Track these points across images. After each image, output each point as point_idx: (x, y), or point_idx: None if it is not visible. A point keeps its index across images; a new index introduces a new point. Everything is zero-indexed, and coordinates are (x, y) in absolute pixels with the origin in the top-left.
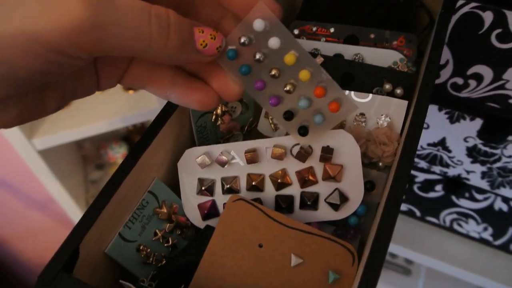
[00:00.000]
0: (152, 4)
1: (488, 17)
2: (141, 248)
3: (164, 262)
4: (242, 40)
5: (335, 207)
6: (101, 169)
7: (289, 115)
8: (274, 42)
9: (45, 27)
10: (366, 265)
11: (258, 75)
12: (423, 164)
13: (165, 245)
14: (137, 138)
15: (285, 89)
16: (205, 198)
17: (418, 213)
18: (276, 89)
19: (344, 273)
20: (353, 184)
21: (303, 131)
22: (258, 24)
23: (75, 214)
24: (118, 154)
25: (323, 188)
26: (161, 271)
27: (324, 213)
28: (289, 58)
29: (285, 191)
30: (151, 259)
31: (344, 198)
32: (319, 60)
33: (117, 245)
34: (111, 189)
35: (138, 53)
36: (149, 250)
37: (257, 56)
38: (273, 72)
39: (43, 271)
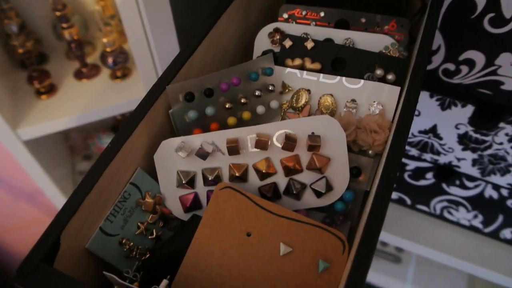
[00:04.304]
0: None
1: (480, 1)
2: (123, 242)
3: (148, 255)
4: None
5: (319, 194)
6: (89, 159)
7: None
8: None
9: None
10: (357, 252)
11: None
12: (414, 151)
13: (149, 237)
14: None
15: None
16: (187, 191)
17: (408, 201)
18: None
19: (334, 262)
20: (338, 172)
21: None
22: None
23: None
24: (106, 144)
25: (308, 177)
26: (147, 262)
27: (308, 200)
28: None
29: (269, 180)
30: (134, 252)
31: (329, 187)
32: (310, 44)
33: (98, 240)
34: (92, 179)
35: None
36: (132, 243)
37: None
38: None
39: (22, 262)
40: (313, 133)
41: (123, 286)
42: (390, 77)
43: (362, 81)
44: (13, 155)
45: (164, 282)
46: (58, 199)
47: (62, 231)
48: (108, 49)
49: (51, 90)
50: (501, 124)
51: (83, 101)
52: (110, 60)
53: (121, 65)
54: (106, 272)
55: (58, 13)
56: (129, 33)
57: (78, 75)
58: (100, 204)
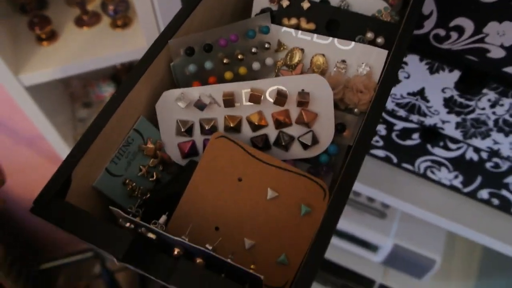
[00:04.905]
0: None
1: None
2: (127, 182)
3: (148, 195)
4: None
5: (306, 146)
6: (89, 107)
7: None
8: None
9: None
10: (333, 195)
11: None
12: (402, 112)
13: (150, 179)
14: (125, 77)
15: None
16: (185, 138)
17: (395, 160)
18: None
19: (315, 207)
20: (324, 127)
21: None
22: None
23: (64, 151)
24: (106, 92)
25: (296, 130)
26: (148, 200)
27: (295, 151)
28: None
29: (261, 132)
30: (136, 192)
31: (315, 140)
32: (306, 5)
33: (104, 179)
34: (99, 124)
35: None
36: (134, 184)
37: None
38: None
39: (37, 197)
40: (303, 90)
41: (126, 219)
42: (379, 40)
43: (353, 43)
44: (15, 100)
45: (163, 217)
46: (58, 145)
47: (73, 170)
48: None
49: (52, 36)
50: (485, 90)
51: (83, 49)
52: (111, 8)
53: (121, 14)
54: (111, 207)
55: None
56: None
57: (79, 22)
58: (107, 147)
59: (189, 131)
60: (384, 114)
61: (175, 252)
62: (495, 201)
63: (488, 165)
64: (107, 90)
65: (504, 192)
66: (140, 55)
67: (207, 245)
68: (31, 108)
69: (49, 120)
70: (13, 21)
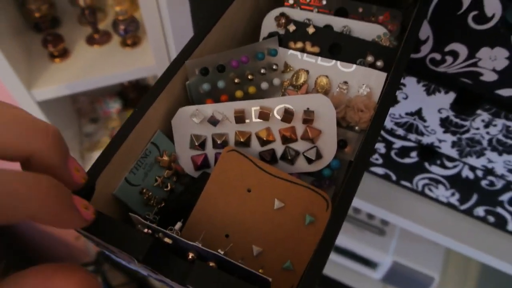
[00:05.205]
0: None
1: None
2: (144, 191)
3: (163, 204)
4: None
5: (310, 161)
6: (95, 123)
7: None
8: None
9: None
10: (335, 208)
11: None
12: (400, 131)
13: (165, 189)
14: (132, 94)
15: None
16: (198, 152)
17: (394, 177)
18: None
19: (318, 217)
20: (327, 143)
21: None
22: None
23: None
24: (112, 109)
25: (301, 145)
26: (164, 208)
27: (300, 165)
28: None
29: (269, 147)
30: (152, 201)
31: (319, 155)
32: (311, 30)
33: (123, 188)
34: (121, 137)
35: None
36: (150, 193)
37: None
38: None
39: None
40: (308, 108)
41: (145, 225)
42: (379, 63)
43: (355, 66)
44: None
45: (178, 224)
46: None
47: (97, 179)
48: (121, 17)
49: (64, 54)
50: (479, 111)
51: (94, 67)
52: (121, 28)
53: (132, 33)
54: (131, 213)
55: None
56: (142, 2)
57: (90, 41)
58: (127, 158)
59: (202, 145)
60: (383, 133)
61: (190, 256)
62: (491, 219)
63: (484, 183)
64: (114, 106)
65: (499, 210)
66: (148, 73)
67: (219, 250)
68: None
69: None
70: (27, 38)
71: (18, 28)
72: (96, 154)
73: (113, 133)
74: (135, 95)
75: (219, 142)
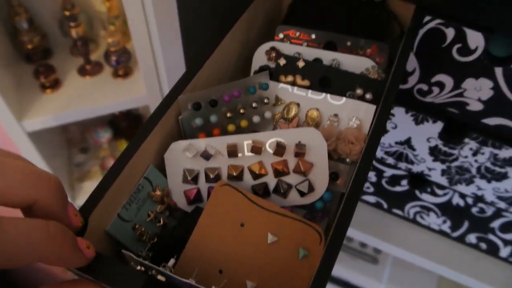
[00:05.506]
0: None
1: (450, 33)
2: (136, 227)
3: (155, 239)
4: None
5: (302, 194)
6: (86, 152)
7: None
8: None
9: None
10: (329, 241)
11: None
12: (391, 160)
13: (157, 224)
14: (123, 123)
15: None
16: (191, 186)
17: (385, 205)
18: None
19: (312, 251)
20: (319, 176)
21: None
22: None
23: None
24: (103, 138)
25: (293, 179)
26: (157, 244)
27: (293, 198)
28: None
29: (261, 180)
30: (144, 237)
31: (311, 188)
32: (301, 63)
33: (116, 224)
34: (115, 173)
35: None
36: (143, 229)
37: None
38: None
39: None
40: (299, 142)
41: (138, 262)
42: (368, 96)
43: (344, 98)
44: (16, 145)
45: (172, 261)
46: None
47: (90, 215)
48: (112, 49)
49: (55, 84)
50: (466, 140)
51: (85, 97)
52: (113, 59)
53: (123, 64)
54: (124, 250)
55: (67, 13)
56: (134, 34)
57: (82, 72)
58: (119, 194)
59: (195, 179)
60: (374, 162)
61: None
62: (483, 246)
63: (474, 210)
64: (104, 136)
65: (491, 237)
66: (139, 104)
67: (213, 287)
68: (31, 153)
69: (47, 164)
70: (19, 69)
71: (9, 59)
72: (86, 184)
73: (103, 163)
74: (126, 124)
75: (212, 176)
